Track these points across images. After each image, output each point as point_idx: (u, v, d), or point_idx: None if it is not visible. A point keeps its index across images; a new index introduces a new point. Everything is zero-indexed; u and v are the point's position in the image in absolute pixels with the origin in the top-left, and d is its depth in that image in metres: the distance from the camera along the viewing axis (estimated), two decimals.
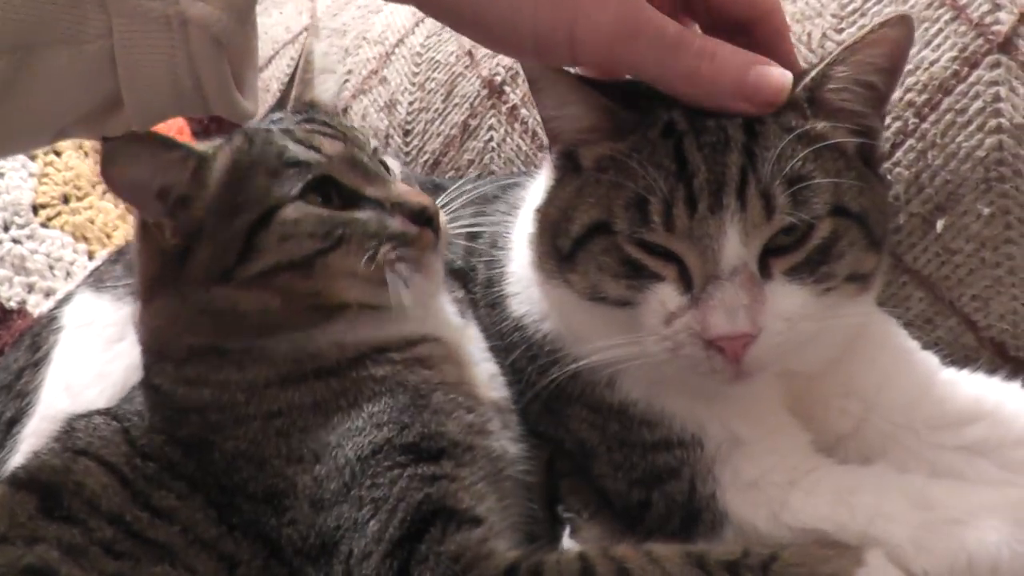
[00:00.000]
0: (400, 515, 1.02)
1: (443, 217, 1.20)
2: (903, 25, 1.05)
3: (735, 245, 1.00)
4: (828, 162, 1.03)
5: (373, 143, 1.23)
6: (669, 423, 1.13)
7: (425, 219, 1.15)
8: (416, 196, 1.16)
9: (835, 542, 1.04)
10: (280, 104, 1.34)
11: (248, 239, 1.11)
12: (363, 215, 1.13)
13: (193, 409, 1.13)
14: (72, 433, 1.16)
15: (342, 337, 1.14)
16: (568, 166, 1.14)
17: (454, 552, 1.00)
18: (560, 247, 1.11)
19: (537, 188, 1.24)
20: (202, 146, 1.17)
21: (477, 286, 1.30)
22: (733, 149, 1.02)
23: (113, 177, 1.10)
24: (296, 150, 1.14)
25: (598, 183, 1.08)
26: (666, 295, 1.04)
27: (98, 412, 1.19)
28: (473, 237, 1.32)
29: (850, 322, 1.11)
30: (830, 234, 1.03)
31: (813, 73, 1.06)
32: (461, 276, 1.32)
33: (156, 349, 1.19)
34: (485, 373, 1.21)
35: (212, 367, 1.13)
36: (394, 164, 1.25)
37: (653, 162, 1.03)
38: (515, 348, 1.20)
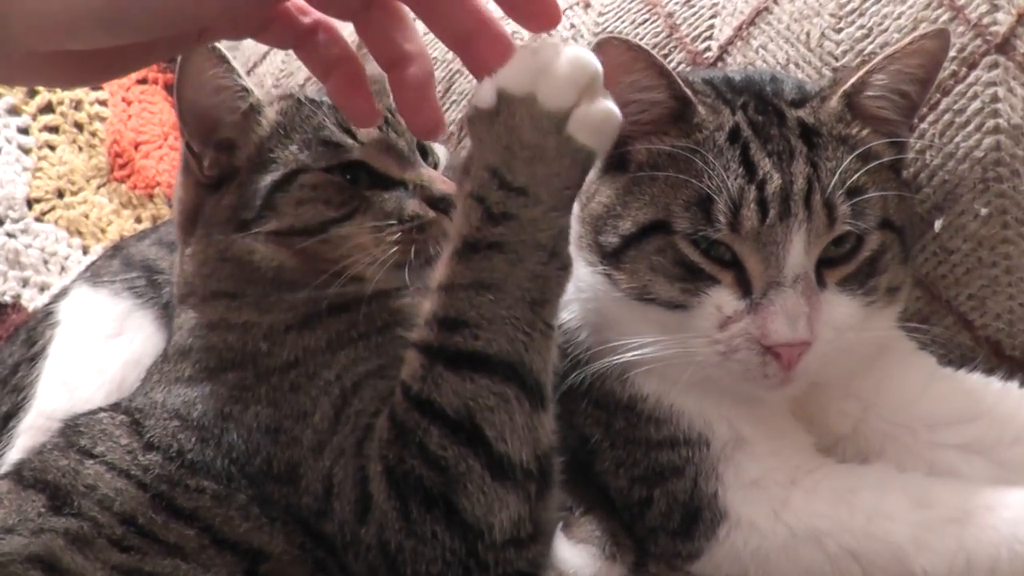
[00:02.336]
0: (381, 418, 1.01)
1: None
2: (941, 38, 1.10)
3: (799, 253, 1.03)
4: (878, 175, 1.07)
5: None
6: (677, 420, 1.13)
7: (445, 206, 1.14)
8: (442, 183, 1.18)
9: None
10: None
11: (268, 197, 1.15)
12: (385, 194, 1.16)
13: (213, 371, 1.12)
14: (75, 430, 1.15)
15: (360, 288, 1.14)
16: (613, 155, 1.14)
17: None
18: (604, 244, 1.12)
19: None
20: (258, 93, 1.20)
21: None
22: (799, 159, 1.05)
23: (182, 88, 1.15)
24: (333, 131, 1.18)
25: (653, 180, 1.09)
26: (723, 299, 1.06)
27: (103, 408, 1.18)
28: None
29: (879, 336, 1.13)
30: (879, 247, 1.08)
31: (853, 79, 1.10)
32: None
33: (184, 292, 1.21)
34: None
35: (233, 309, 1.15)
36: (440, 149, 1.28)
37: (720, 163, 1.05)
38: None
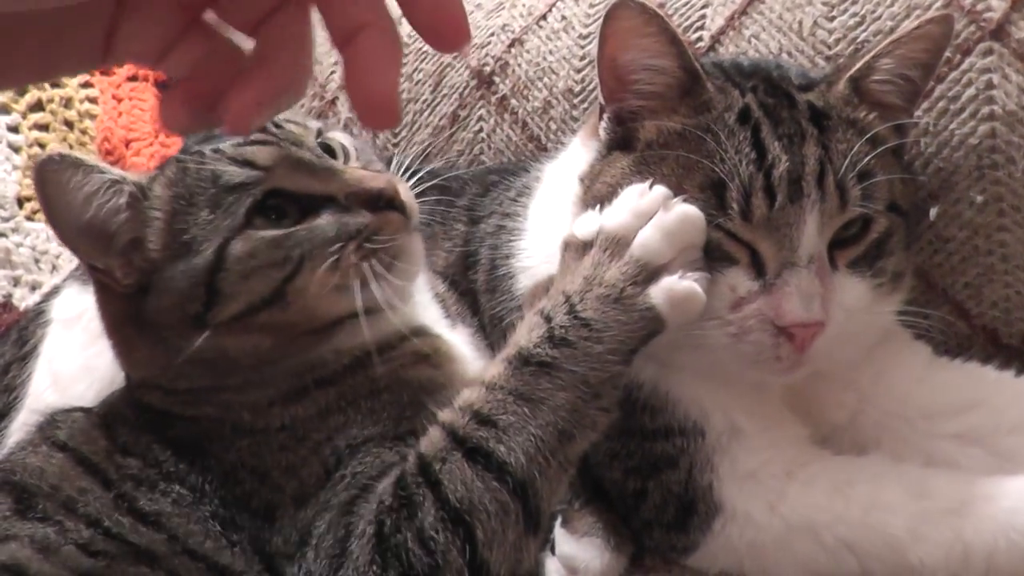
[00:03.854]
0: (369, 476, 1.01)
1: (405, 190, 1.11)
2: (946, 23, 1.10)
3: (812, 234, 1.03)
4: (885, 159, 1.07)
5: (313, 126, 1.15)
6: (672, 409, 1.13)
7: (385, 202, 1.07)
8: (370, 180, 1.08)
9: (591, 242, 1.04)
10: None
11: (208, 283, 1.03)
12: (319, 221, 1.05)
13: (187, 418, 1.09)
14: (52, 424, 1.14)
15: (340, 344, 1.09)
16: (618, 136, 1.14)
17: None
18: None
19: (562, 165, 1.27)
20: (134, 176, 1.07)
21: (478, 272, 1.29)
22: (810, 141, 1.05)
23: (52, 214, 1.03)
24: (230, 172, 1.04)
25: (663, 160, 1.09)
26: (737, 280, 1.05)
27: (79, 408, 1.16)
28: (474, 222, 1.31)
29: (882, 322, 1.14)
30: (885, 229, 1.08)
31: (859, 64, 1.11)
32: (459, 266, 1.31)
33: (142, 385, 1.14)
34: (477, 369, 1.18)
35: (211, 391, 1.09)
36: (343, 139, 1.17)
37: (732, 146, 1.05)
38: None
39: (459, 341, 1.19)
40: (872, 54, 1.11)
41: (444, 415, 1.00)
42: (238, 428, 1.07)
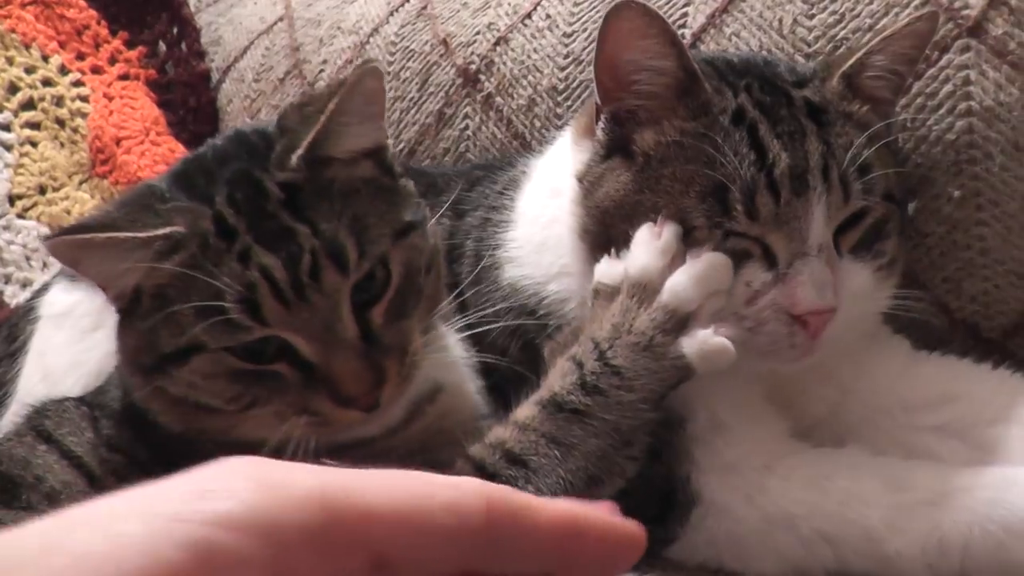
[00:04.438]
0: None
1: (389, 394, 1.02)
2: (932, 20, 1.15)
3: (820, 225, 1.06)
4: (882, 152, 1.10)
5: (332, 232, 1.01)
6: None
7: (351, 405, 1.00)
8: (353, 383, 0.99)
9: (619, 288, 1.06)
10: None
11: (160, 361, 1.01)
12: (288, 380, 1.00)
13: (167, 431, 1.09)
14: (41, 413, 1.15)
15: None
16: (617, 137, 1.15)
17: None
18: (613, 242, 1.11)
19: (550, 160, 1.29)
20: (168, 230, 0.98)
21: (463, 264, 1.30)
22: (811, 137, 1.08)
23: (80, 273, 1.05)
24: (238, 313, 0.96)
25: (660, 177, 1.09)
26: (752, 274, 1.07)
27: (69, 398, 1.18)
28: (460, 216, 1.32)
29: (879, 307, 1.17)
30: (881, 214, 1.11)
31: (852, 60, 1.13)
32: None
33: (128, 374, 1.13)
34: (474, 391, 1.19)
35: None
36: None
37: (730, 148, 1.06)
38: (500, 317, 1.20)
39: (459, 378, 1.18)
40: (865, 51, 1.13)
41: (474, 450, 1.01)
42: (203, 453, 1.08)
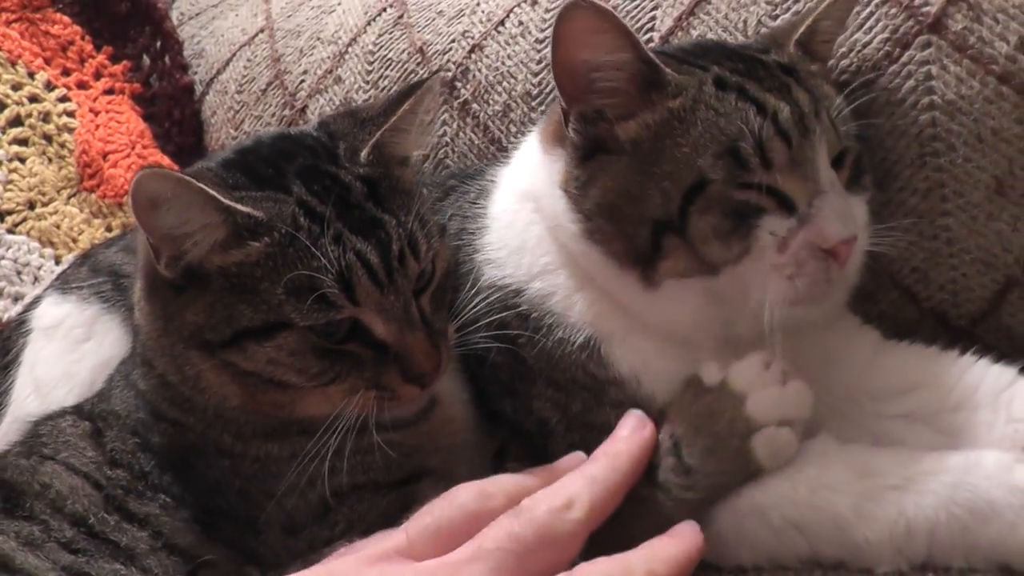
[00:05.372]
0: (368, 523, 1.07)
1: (445, 363, 1.13)
2: None
3: (826, 163, 1.11)
4: (842, 100, 1.17)
5: (418, 241, 1.10)
6: (650, 409, 1.16)
7: (421, 382, 1.10)
8: (424, 359, 1.09)
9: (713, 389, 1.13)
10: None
11: (239, 335, 1.05)
12: (365, 358, 1.07)
13: (174, 422, 1.13)
14: (37, 438, 1.18)
15: (316, 412, 1.09)
16: (590, 137, 1.16)
17: None
18: (634, 234, 1.13)
19: (517, 168, 1.31)
20: (244, 207, 1.03)
21: None
22: (795, 88, 1.13)
23: (141, 216, 1.03)
24: (335, 291, 1.03)
25: (661, 153, 1.12)
26: (774, 225, 1.10)
27: (67, 411, 1.21)
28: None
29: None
30: (858, 152, 1.17)
31: (803, 29, 1.20)
32: None
33: (146, 357, 1.16)
34: (461, 405, 1.24)
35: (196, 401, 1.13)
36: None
37: (727, 109, 1.10)
38: (483, 316, 1.21)
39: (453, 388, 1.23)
40: (813, 18, 1.20)
41: None
42: (219, 448, 1.11)
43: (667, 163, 1.11)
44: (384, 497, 1.10)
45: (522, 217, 1.25)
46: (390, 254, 1.05)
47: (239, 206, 1.03)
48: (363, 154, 1.11)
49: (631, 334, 1.18)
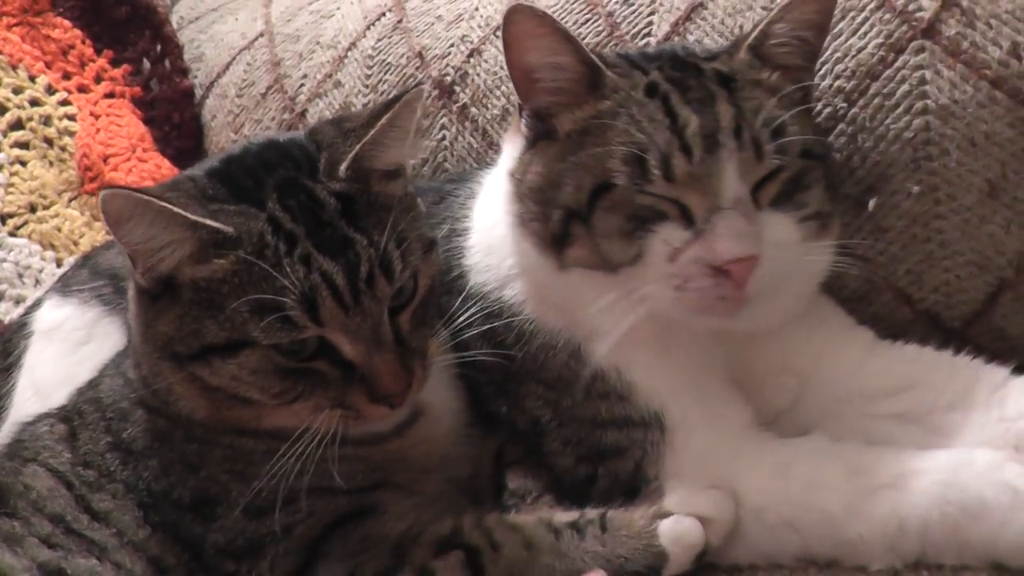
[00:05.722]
0: (325, 521, 1.10)
1: (418, 386, 1.11)
2: None
3: (734, 179, 1.09)
4: (795, 113, 1.13)
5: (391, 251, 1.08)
6: (633, 399, 1.18)
7: (386, 403, 1.08)
8: (391, 381, 1.07)
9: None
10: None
11: (204, 351, 1.05)
12: (328, 376, 1.06)
13: (151, 409, 1.15)
14: (20, 443, 1.20)
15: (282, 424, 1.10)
16: (539, 130, 1.20)
17: (358, 537, 1.09)
18: (549, 217, 1.17)
19: (497, 169, 1.32)
20: (213, 223, 1.03)
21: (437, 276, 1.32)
22: (721, 100, 1.12)
23: (113, 231, 1.04)
24: (293, 310, 1.01)
25: (583, 146, 1.15)
26: (669, 234, 1.11)
27: (47, 415, 1.22)
28: (429, 228, 1.36)
29: (816, 267, 1.20)
30: (799, 169, 1.14)
31: (756, 32, 1.18)
32: None
33: (136, 353, 1.17)
34: (452, 420, 1.24)
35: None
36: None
37: (644, 119, 1.12)
38: (473, 325, 1.23)
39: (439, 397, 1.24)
40: (766, 21, 1.18)
41: (466, 521, 1.10)
42: (190, 435, 1.13)
43: (585, 157, 1.14)
44: (342, 499, 1.11)
45: (492, 217, 1.28)
46: (358, 276, 1.04)
47: (207, 221, 1.02)
48: (342, 168, 1.08)
49: (607, 331, 1.17)
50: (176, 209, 1.01)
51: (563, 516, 1.11)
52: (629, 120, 1.12)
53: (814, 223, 1.15)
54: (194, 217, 1.02)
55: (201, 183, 1.09)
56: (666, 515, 1.10)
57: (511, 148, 1.26)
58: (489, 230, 1.27)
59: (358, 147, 1.08)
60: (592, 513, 1.11)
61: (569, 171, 1.15)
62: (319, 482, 1.08)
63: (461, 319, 1.21)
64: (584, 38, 1.52)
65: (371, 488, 1.13)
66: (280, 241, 1.03)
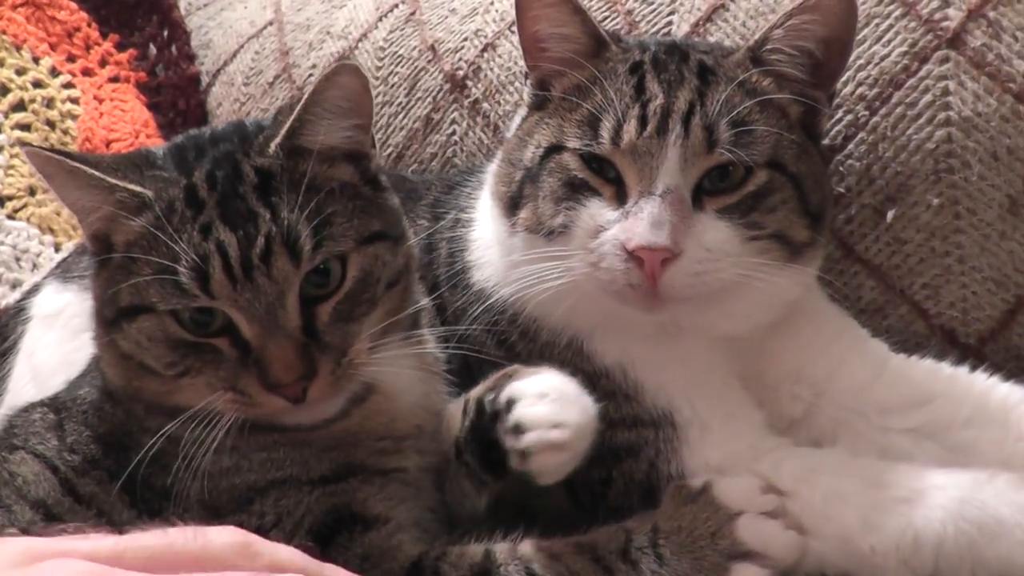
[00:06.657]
0: (307, 525, 1.06)
1: (319, 388, 1.05)
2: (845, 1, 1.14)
3: (673, 168, 1.10)
4: (771, 117, 1.13)
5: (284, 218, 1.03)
6: (639, 397, 1.17)
7: (278, 392, 1.03)
8: (281, 370, 1.02)
9: (700, 496, 1.08)
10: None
11: (115, 316, 1.05)
12: (224, 356, 1.04)
13: (110, 394, 1.15)
14: (11, 430, 1.19)
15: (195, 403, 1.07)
16: (539, 99, 1.23)
17: (363, 552, 1.05)
18: (512, 178, 1.20)
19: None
20: (136, 187, 1.03)
21: (440, 266, 1.32)
22: (686, 87, 1.13)
23: (54, 193, 1.07)
24: (188, 279, 1.00)
25: (559, 109, 1.18)
26: (597, 210, 1.12)
27: (40, 403, 1.22)
28: (436, 219, 1.35)
29: (778, 288, 1.15)
30: (765, 184, 1.12)
31: (758, 36, 1.18)
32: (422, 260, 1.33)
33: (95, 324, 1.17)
34: (414, 398, 1.18)
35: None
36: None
37: (614, 88, 1.14)
38: (476, 322, 1.23)
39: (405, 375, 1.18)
40: (768, 26, 1.17)
41: (498, 548, 1.05)
42: (134, 417, 1.12)
43: (552, 118, 1.18)
44: (310, 494, 1.08)
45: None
46: (252, 249, 1.01)
47: (122, 183, 1.03)
48: (273, 144, 1.06)
49: (609, 327, 1.18)
50: (89, 169, 1.02)
51: (605, 540, 1.06)
52: (601, 88, 1.14)
53: (773, 244, 1.13)
54: (111, 179, 1.02)
55: (153, 154, 1.10)
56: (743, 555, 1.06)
57: (516, 118, 1.29)
58: (489, 223, 1.27)
59: (287, 125, 1.06)
60: (641, 537, 1.06)
61: (537, 131, 1.19)
62: (272, 475, 1.07)
63: (467, 315, 1.21)
64: None
65: (337, 478, 1.10)
66: (188, 208, 1.03)
